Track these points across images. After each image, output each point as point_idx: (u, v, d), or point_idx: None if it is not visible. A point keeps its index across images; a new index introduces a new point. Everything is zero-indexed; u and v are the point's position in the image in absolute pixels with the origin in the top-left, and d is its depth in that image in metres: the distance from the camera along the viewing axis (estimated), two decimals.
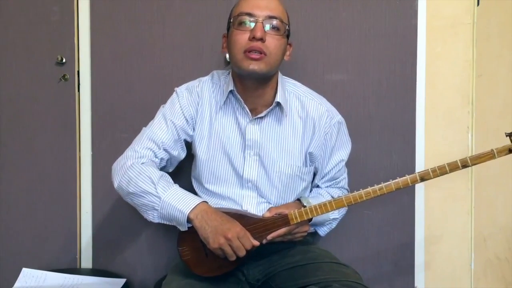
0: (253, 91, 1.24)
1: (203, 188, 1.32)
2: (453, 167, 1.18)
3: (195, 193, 1.33)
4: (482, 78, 1.59)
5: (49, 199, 1.65)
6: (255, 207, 1.28)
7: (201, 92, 1.30)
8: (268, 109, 1.25)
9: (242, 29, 1.18)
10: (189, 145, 1.34)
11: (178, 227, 1.19)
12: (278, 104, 1.26)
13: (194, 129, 1.30)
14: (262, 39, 1.15)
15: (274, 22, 1.18)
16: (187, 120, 1.29)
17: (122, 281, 1.52)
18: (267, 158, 1.28)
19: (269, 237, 1.19)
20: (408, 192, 1.59)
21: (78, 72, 1.62)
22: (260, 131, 1.27)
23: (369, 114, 1.58)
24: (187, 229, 1.17)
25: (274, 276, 1.25)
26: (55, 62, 1.62)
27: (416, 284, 1.61)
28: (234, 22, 1.20)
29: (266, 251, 1.27)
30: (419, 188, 1.60)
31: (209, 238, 1.12)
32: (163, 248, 1.62)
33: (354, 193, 1.18)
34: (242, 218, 1.19)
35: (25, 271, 1.52)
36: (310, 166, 1.33)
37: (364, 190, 1.18)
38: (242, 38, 1.17)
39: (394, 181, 1.18)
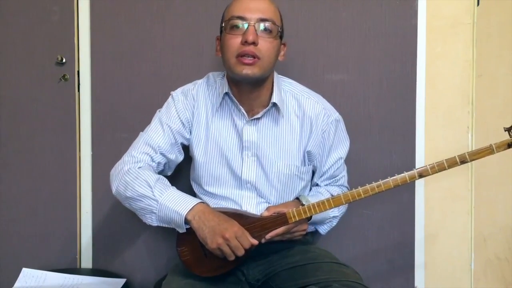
0: (248, 93, 1.24)
1: (202, 190, 1.32)
2: (451, 163, 1.17)
3: (194, 195, 1.34)
4: (482, 78, 1.59)
5: (49, 199, 1.65)
6: (255, 207, 1.28)
7: (197, 95, 1.30)
8: (264, 110, 1.25)
9: (234, 33, 1.17)
10: (186, 148, 1.34)
11: (177, 229, 1.19)
12: (274, 104, 1.26)
13: (190, 132, 1.31)
14: (254, 43, 1.15)
15: (266, 24, 1.17)
16: (183, 124, 1.29)
17: (122, 281, 1.52)
18: (265, 158, 1.28)
19: (268, 236, 1.19)
20: (408, 192, 1.59)
21: (78, 72, 1.63)
22: (257, 132, 1.27)
23: (369, 114, 1.58)
24: (185, 230, 1.18)
25: (274, 276, 1.25)
26: (55, 62, 1.62)
27: (416, 284, 1.61)
28: (226, 26, 1.19)
29: (266, 251, 1.27)
30: (419, 188, 1.60)
31: (207, 238, 1.13)
32: (163, 248, 1.63)
33: (352, 191, 1.18)
34: (240, 217, 1.19)
35: (25, 271, 1.52)
36: (308, 165, 1.33)
37: (362, 187, 1.18)
38: (234, 42, 1.17)
39: (392, 178, 1.18)
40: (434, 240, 1.62)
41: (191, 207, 1.15)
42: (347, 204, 1.25)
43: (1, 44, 1.63)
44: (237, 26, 1.17)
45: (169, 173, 1.35)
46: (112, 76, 1.62)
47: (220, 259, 1.16)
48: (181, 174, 1.44)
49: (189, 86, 1.33)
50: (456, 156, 1.17)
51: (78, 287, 1.48)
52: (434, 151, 1.59)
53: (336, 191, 1.37)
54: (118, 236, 1.64)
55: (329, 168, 1.35)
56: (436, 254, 1.62)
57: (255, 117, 1.26)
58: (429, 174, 1.18)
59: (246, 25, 1.16)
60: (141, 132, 1.30)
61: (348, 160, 1.42)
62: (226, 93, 1.26)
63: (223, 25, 1.22)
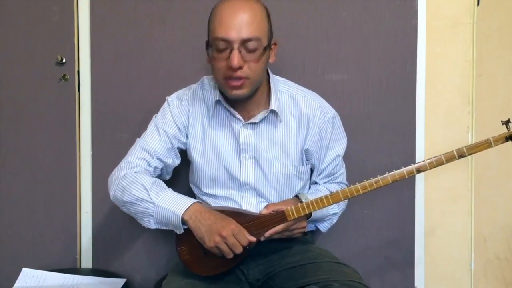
0: (241, 102, 1.24)
1: (202, 192, 1.33)
2: (449, 157, 1.17)
3: (194, 197, 1.34)
4: (482, 78, 1.59)
5: (49, 199, 1.65)
6: (255, 206, 1.28)
7: (192, 100, 1.30)
8: (261, 116, 1.25)
9: (219, 55, 1.15)
10: (184, 152, 1.34)
11: (175, 230, 1.20)
12: (272, 110, 1.25)
13: (187, 137, 1.31)
14: (240, 67, 1.13)
15: (250, 45, 1.13)
16: (179, 128, 1.29)
17: (122, 281, 1.52)
18: (263, 160, 1.28)
19: (267, 234, 1.19)
20: (408, 191, 1.59)
21: (78, 72, 1.63)
22: (254, 134, 1.27)
23: (369, 114, 1.58)
24: (183, 231, 1.18)
25: (274, 276, 1.25)
26: (55, 62, 1.62)
27: (416, 283, 1.61)
28: (211, 43, 1.16)
29: (266, 251, 1.27)
30: (419, 187, 1.60)
31: (204, 237, 1.13)
32: (163, 248, 1.62)
33: (350, 187, 1.18)
34: (239, 215, 1.19)
35: (25, 271, 1.52)
36: (306, 164, 1.33)
37: (361, 183, 1.18)
38: (220, 65, 1.15)
39: (390, 173, 1.17)
40: (434, 240, 1.62)
41: (187, 207, 1.16)
42: (346, 200, 1.25)
43: (1, 44, 1.63)
44: (222, 50, 1.14)
45: (167, 178, 1.35)
46: (112, 76, 1.62)
47: (219, 258, 1.16)
48: (180, 177, 1.44)
49: (184, 90, 1.34)
50: (454, 150, 1.16)
51: (78, 287, 1.48)
52: (434, 151, 1.57)
53: (335, 188, 1.36)
54: (118, 236, 1.64)
55: (327, 166, 1.35)
56: (436, 254, 1.62)
57: (251, 121, 1.25)
58: (427, 169, 1.17)
59: (229, 49, 1.13)
60: (138, 138, 1.31)
61: (348, 160, 1.42)
62: (218, 101, 1.26)
63: (208, 38, 1.19)
